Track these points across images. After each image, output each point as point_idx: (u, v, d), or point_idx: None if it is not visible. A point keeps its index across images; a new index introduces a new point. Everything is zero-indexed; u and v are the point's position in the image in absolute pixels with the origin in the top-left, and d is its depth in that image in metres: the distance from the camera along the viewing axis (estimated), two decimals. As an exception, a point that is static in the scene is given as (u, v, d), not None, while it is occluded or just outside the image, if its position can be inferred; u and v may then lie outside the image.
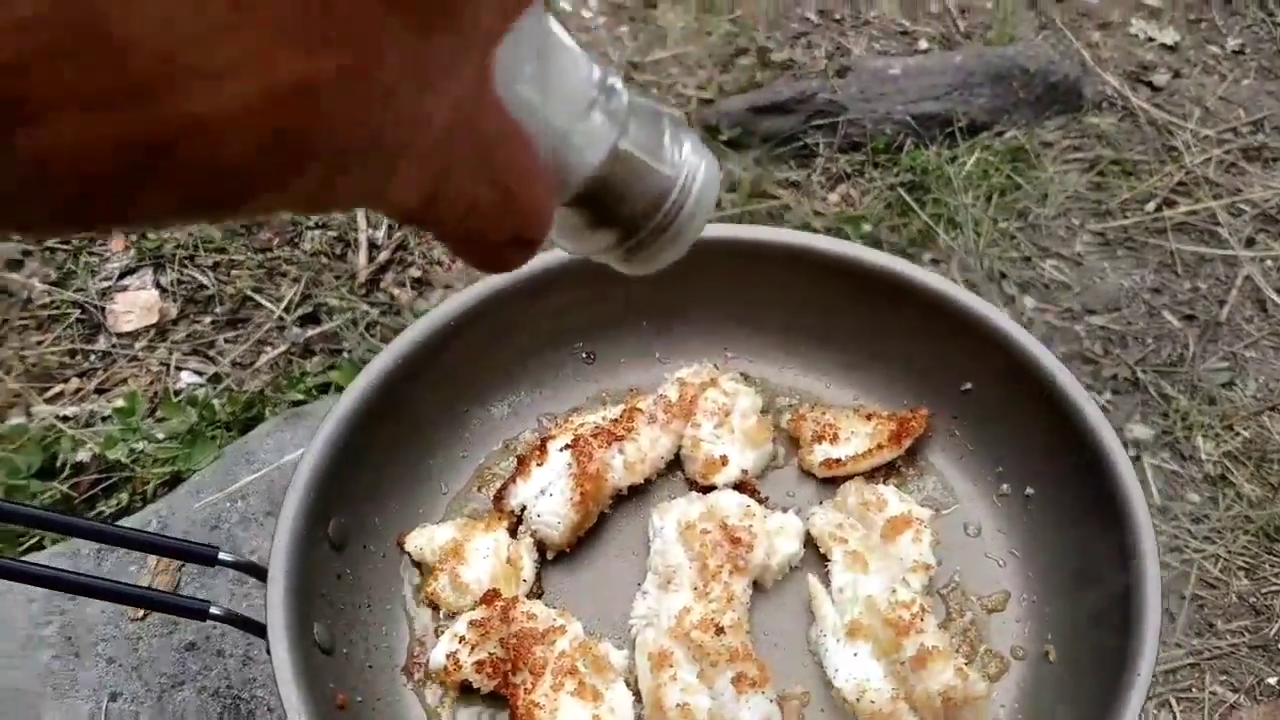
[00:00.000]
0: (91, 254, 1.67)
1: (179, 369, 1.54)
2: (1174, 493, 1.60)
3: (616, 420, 0.95)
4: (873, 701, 0.82)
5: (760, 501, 0.93)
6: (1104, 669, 0.78)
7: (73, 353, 1.55)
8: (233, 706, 1.11)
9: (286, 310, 1.61)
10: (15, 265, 1.64)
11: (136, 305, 1.58)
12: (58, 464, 1.38)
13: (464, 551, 0.89)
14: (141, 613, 1.16)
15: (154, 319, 1.57)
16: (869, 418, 0.97)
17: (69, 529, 0.88)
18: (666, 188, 0.35)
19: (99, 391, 1.50)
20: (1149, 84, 2.26)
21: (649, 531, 0.91)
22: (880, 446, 0.94)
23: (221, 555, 0.84)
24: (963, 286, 1.75)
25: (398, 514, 0.94)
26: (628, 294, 1.00)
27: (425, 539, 0.91)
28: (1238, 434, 1.65)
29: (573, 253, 0.37)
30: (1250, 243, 1.93)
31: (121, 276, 1.64)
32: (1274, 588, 1.49)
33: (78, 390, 1.50)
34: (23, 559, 0.97)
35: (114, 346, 1.56)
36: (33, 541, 1.29)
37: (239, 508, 1.27)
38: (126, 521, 1.28)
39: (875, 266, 0.97)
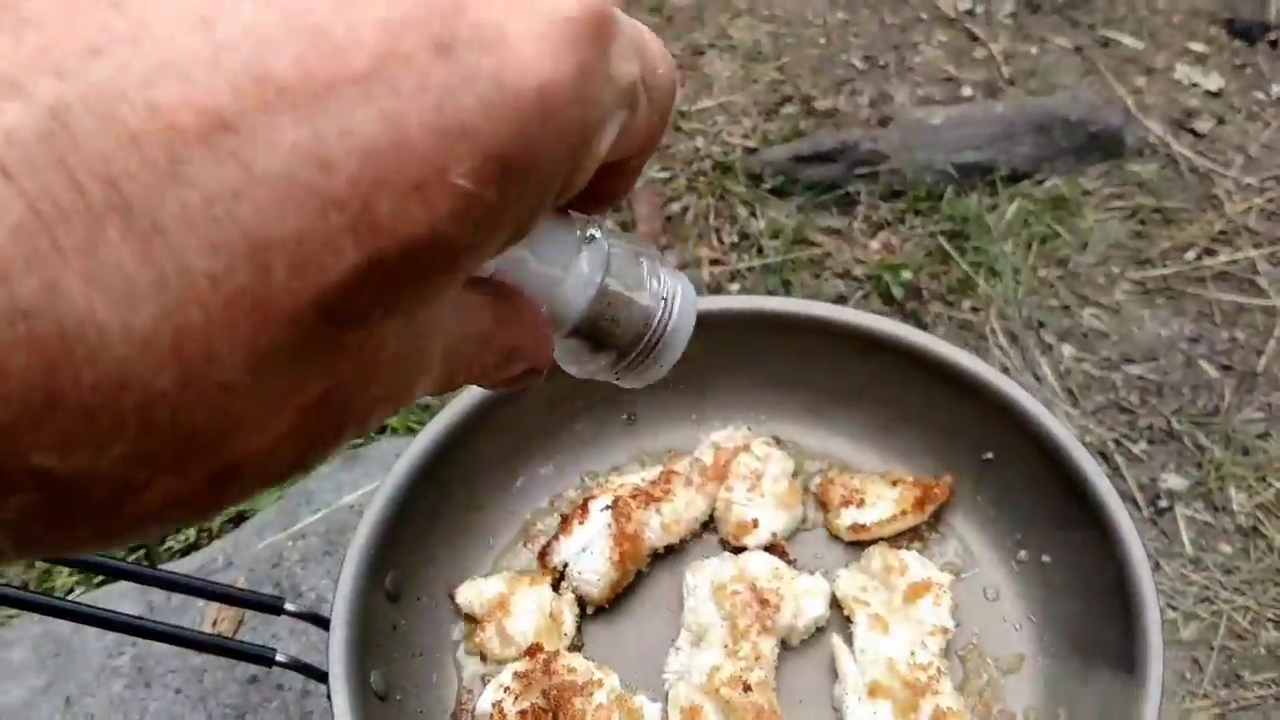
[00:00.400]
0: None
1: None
2: (1206, 543, 1.63)
3: (654, 482, 1.01)
4: (891, 758, 0.87)
5: (789, 563, 0.98)
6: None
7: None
8: (292, 739, 1.18)
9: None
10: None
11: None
12: (131, 500, 1.46)
13: (510, 605, 0.96)
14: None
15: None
16: (895, 484, 1.02)
17: (145, 579, 0.96)
18: (650, 315, 0.40)
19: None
20: (1192, 131, 2.27)
21: (683, 590, 0.97)
22: (905, 512, 0.99)
23: (287, 606, 0.91)
24: (996, 338, 1.79)
25: (448, 567, 1.00)
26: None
27: (474, 592, 0.98)
28: (1271, 485, 1.67)
29: (574, 374, 0.42)
30: (1289, 293, 1.95)
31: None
32: (1302, 642, 1.52)
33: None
34: (99, 605, 1.05)
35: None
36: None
37: (299, 547, 1.35)
38: (193, 558, 1.36)
39: (900, 340, 1.02)
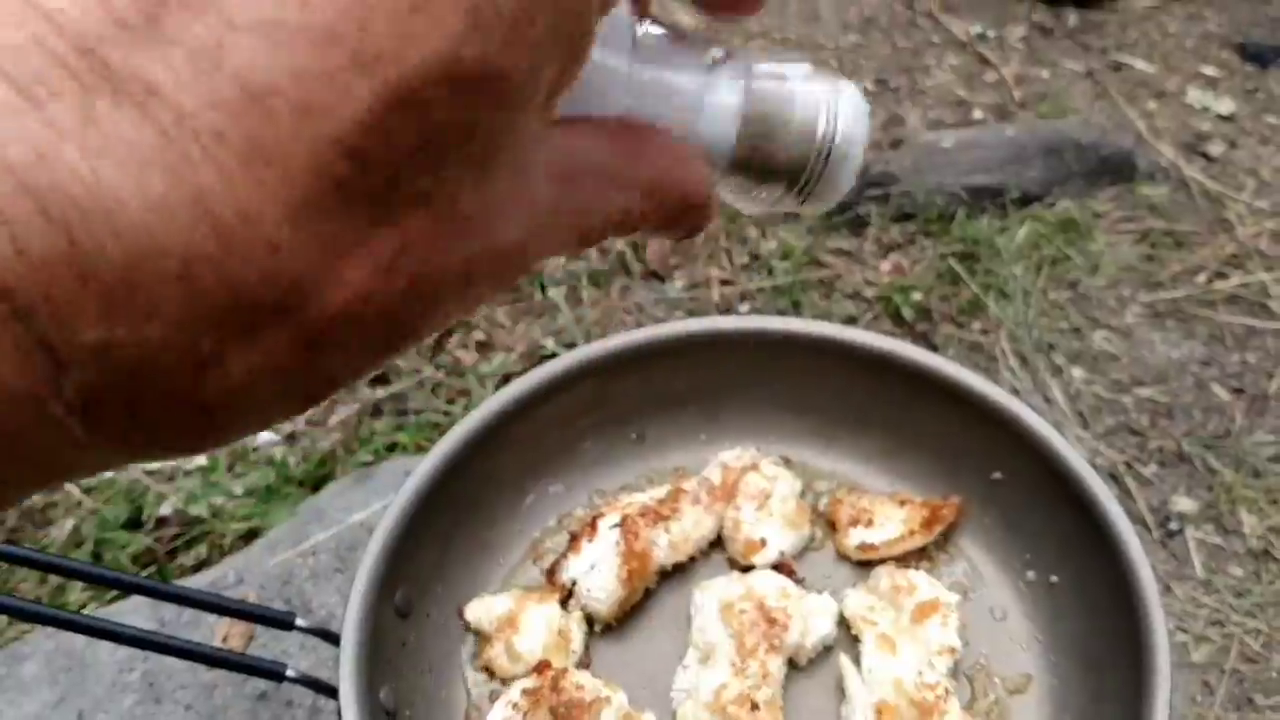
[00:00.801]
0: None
1: (257, 426, 1.63)
2: (1217, 566, 1.62)
3: (663, 500, 1.02)
4: (898, 778, 0.87)
5: (798, 582, 0.99)
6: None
7: (159, 409, 1.65)
8: (301, 756, 1.18)
9: (358, 371, 1.70)
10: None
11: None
12: (143, 517, 1.48)
13: (518, 622, 0.96)
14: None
15: (235, 378, 1.67)
16: (903, 504, 1.02)
17: (157, 594, 0.97)
18: (811, 130, 0.35)
19: (182, 447, 1.60)
20: (1204, 154, 2.28)
21: (691, 608, 0.97)
22: (913, 532, 0.99)
23: (298, 622, 0.92)
24: (1006, 360, 1.79)
25: (458, 584, 1.01)
26: (676, 380, 1.07)
27: (484, 609, 0.98)
28: (1282, 509, 1.67)
29: (750, 212, 0.39)
30: (1300, 316, 1.95)
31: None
32: (1314, 666, 1.51)
33: (163, 445, 1.60)
34: (111, 618, 1.05)
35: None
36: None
37: (310, 564, 1.35)
38: (205, 574, 1.37)
39: (910, 361, 1.03)
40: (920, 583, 0.97)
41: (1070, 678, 0.93)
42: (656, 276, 1.93)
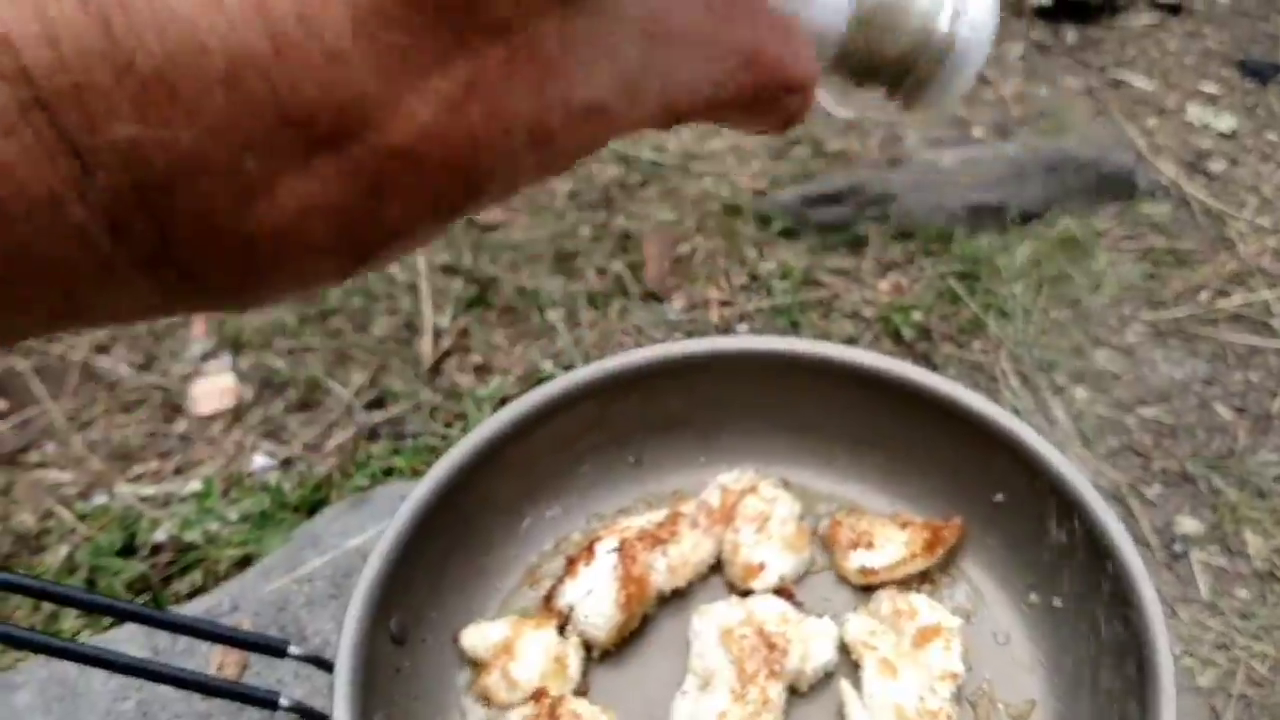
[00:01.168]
0: (173, 338, 1.77)
1: (253, 451, 1.62)
2: (1222, 588, 1.60)
3: (661, 524, 1.00)
4: (901, 807, 0.85)
5: (797, 606, 0.97)
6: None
7: (153, 434, 1.64)
8: (295, 785, 1.17)
9: (356, 394, 1.69)
10: (103, 350, 1.74)
11: (215, 389, 1.67)
12: (137, 543, 1.47)
13: (515, 649, 0.95)
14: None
15: (231, 402, 1.66)
16: (904, 526, 1.01)
17: (152, 621, 0.95)
18: (931, 25, 0.33)
19: (177, 472, 1.59)
20: (1204, 172, 2.27)
21: (690, 634, 0.96)
22: (914, 555, 0.98)
23: (291, 649, 0.91)
24: (1007, 380, 1.78)
25: (453, 610, 0.99)
26: (675, 402, 1.06)
27: (480, 636, 0.97)
28: (1287, 529, 1.65)
29: (848, 113, 0.36)
30: (1302, 335, 1.94)
31: (204, 359, 1.74)
32: (1321, 688, 1.49)
33: (157, 471, 1.59)
34: (105, 646, 1.04)
35: (190, 430, 1.65)
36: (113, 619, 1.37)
37: (305, 590, 1.34)
38: (200, 601, 1.36)
39: (910, 381, 1.01)
40: (922, 607, 0.96)
41: (1075, 702, 0.92)
42: (655, 298, 1.92)
